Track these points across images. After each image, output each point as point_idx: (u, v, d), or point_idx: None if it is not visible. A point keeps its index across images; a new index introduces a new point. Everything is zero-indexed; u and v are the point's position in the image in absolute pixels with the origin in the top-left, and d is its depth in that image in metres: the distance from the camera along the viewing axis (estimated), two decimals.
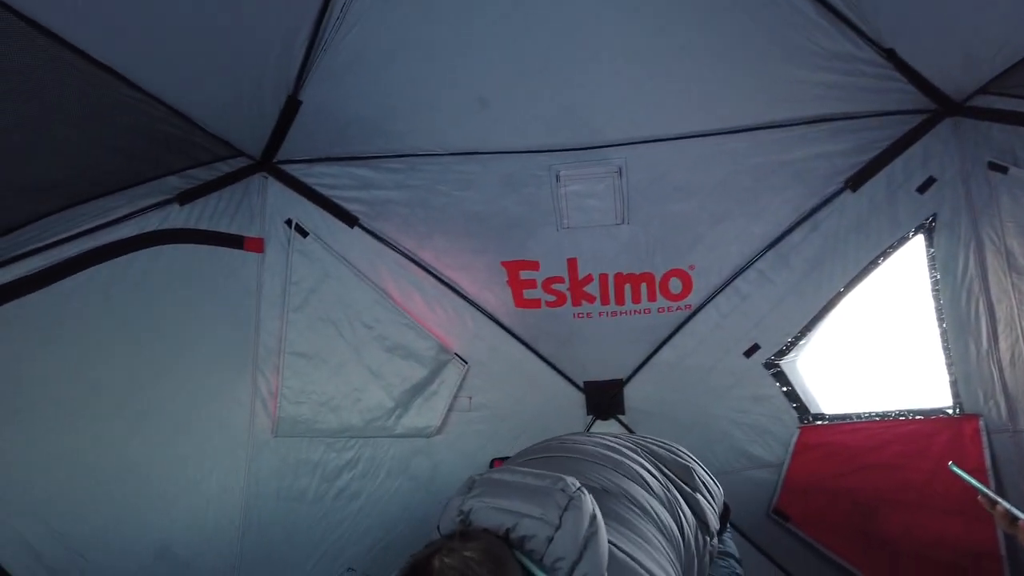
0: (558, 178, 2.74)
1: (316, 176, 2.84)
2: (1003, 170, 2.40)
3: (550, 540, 1.37)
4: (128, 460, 2.43)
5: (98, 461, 2.35)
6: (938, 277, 2.62)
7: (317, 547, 2.83)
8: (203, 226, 2.62)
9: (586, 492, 1.46)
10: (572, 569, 1.35)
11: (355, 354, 2.86)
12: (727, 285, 2.96)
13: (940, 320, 2.61)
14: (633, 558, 1.50)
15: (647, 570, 1.49)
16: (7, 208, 2.05)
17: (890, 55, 2.34)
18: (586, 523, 1.40)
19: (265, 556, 2.73)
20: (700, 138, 2.68)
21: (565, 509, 1.40)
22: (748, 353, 2.93)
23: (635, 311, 2.96)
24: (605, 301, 2.95)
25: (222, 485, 2.66)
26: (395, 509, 2.96)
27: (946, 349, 2.59)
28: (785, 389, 2.90)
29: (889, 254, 2.72)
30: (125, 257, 2.39)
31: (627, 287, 2.91)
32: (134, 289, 2.41)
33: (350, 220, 2.89)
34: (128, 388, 2.42)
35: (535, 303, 2.97)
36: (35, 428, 2.22)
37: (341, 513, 2.86)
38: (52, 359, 2.24)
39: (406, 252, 2.94)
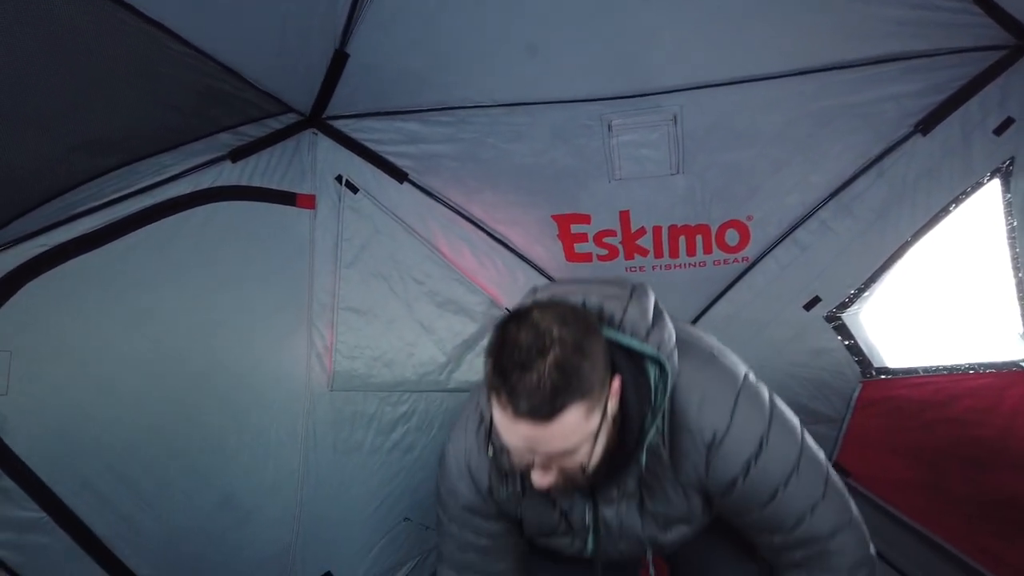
0: (610, 128, 2.65)
1: (365, 131, 2.82)
2: None
3: (624, 309, 1.40)
4: (190, 413, 2.50)
5: (162, 414, 2.42)
6: (1015, 224, 2.46)
7: (374, 497, 2.88)
8: (255, 183, 2.64)
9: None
10: (647, 334, 1.39)
11: (407, 309, 2.87)
12: (786, 236, 2.84)
13: (1016, 269, 2.46)
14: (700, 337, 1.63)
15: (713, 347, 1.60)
16: (64, 167, 2.11)
17: None
18: (652, 300, 1.48)
19: (324, 506, 2.80)
20: (761, 82, 2.55)
21: (632, 290, 1.47)
22: (808, 306, 2.83)
23: (690, 264, 2.87)
24: (659, 254, 2.87)
25: (281, 437, 2.72)
26: None
27: (1021, 300, 2.45)
28: (847, 343, 2.80)
29: (962, 200, 2.57)
30: (181, 214, 2.44)
31: (682, 239, 2.83)
32: (190, 246, 2.46)
33: (399, 175, 2.87)
34: (187, 343, 2.48)
35: (587, 257, 2.92)
36: (101, 382, 2.31)
37: (397, 465, 2.90)
38: (113, 315, 2.32)
39: (456, 207, 2.91)
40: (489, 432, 1.44)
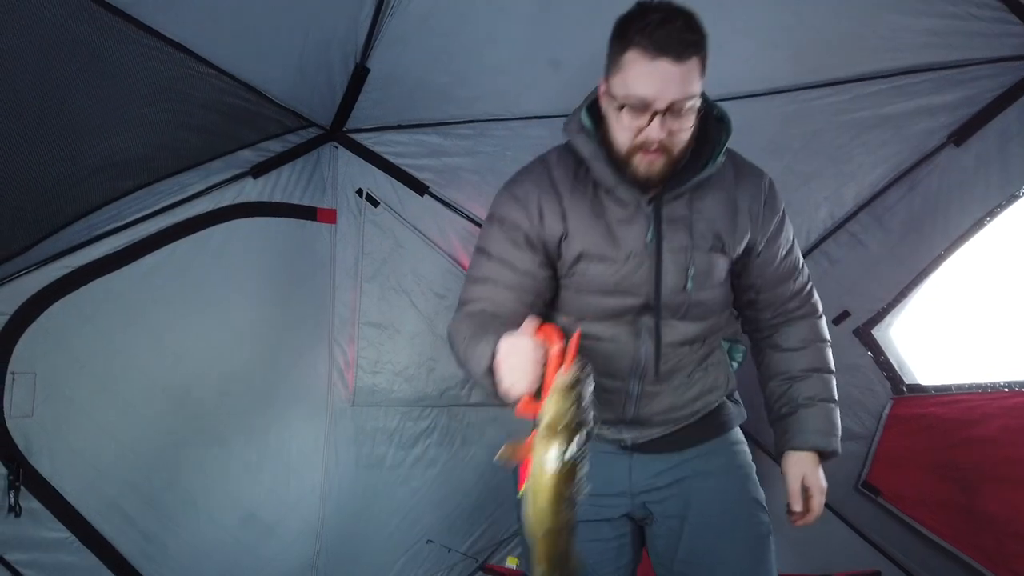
0: None
1: (385, 144, 2.81)
2: None
3: None
4: (213, 430, 2.51)
5: (184, 432, 2.43)
6: None
7: (396, 513, 2.87)
8: (277, 198, 2.63)
9: None
10: None
11: (428, 324, 2.86)
12: (815, 249, 2.80)
13: None
14: None
15: None
16: (87, 189, 2.11)
17: None
18: None
19: (346, 521, 2.80)
20: (789, 93, 2.50)
21: None
22: (837, 320, 2.78)
23: None
24: None
25: (303, 453, 2.72)
26: (471, 477, 2.98)
27: None
28: (877, 358, 2.75)
29: (997, 213, 2.49)
30: (203, 232, 2.44)
31: None
32: (212, 263, 2.47)
33: (420, 188, 2.85)
34: (210, 360, 2.49)
35: None
36: (124, 402, 2.33)
37: (419, 480, 2.89)
38: (137, 334, 2.34)
39: (477, 220, 2.89)
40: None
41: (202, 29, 1.94)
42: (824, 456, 1.73)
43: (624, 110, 1.43)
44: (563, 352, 1.24)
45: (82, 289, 2.21)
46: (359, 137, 2.79)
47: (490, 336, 1.36)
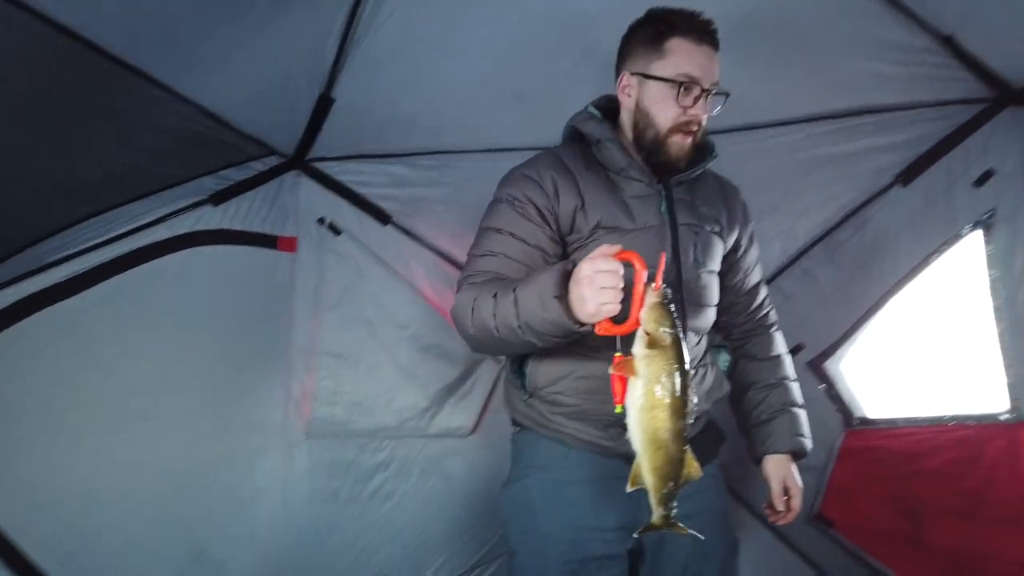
0: None
1: (349, 173, 2.79)
2: None
3: None
4: (162, 465, 2.41)
5: (132, 468, 2.34)
6: (996, 275, 2.48)
7: (351, 548, 2.80)
8: (236, 226, 2.58)
9: None
10: None
11: (389, 354, 2.82)
12: (770, 283, 2.84)
13: (998, 320, 2.47)
14: None
15: None
16: (39, 216, 2.05)
17: (948, 42, 2.22)
18: None
19: (299, 556, 2.71)
20: (744, 132, 2.58)
21: None
22: (792, 353, 2.82)
23: None
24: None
25: (255, 487, 2.64)
26: (429, 510, 2.93)
27: (1004, 351, 2.46)
28: (830, 391, 2.81)
29: (943, 251, 2.59)
30: (158, 260, 2.37)
31: None
32: (168, 292, 2.40)
33: (383, 218, 2.84)
34: (162, 392, 2.40)
35: None
36: (72, 434, 2.22)
37: (375, 514, 2.83)
38: (87, 365, 2.24)
39: (440, 250, 2.89)
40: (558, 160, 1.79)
41: (162, 55, 1.91)
42: (797, 456, 1.95)
43: (668, 91, 1.66)
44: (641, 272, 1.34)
45: (29, 319, 2.12)
46: (323, 166, 2.76)
47: (548, 270, 1.42)
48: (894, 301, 2.69)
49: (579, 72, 2.37)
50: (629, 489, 1.41)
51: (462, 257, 2.87)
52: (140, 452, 2.36)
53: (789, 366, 2.08)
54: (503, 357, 2.89)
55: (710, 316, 1.86)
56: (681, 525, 1.43)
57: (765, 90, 2.47)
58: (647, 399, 1.31)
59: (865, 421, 2.78)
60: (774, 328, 2.11)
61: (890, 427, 2.71)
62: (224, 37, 2.01)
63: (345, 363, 2.77)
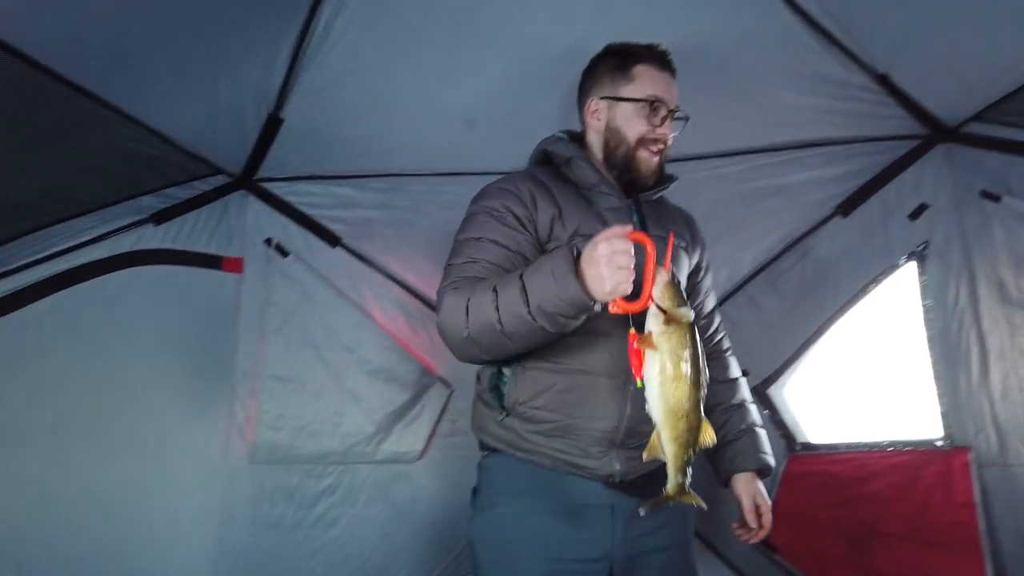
0: None
1: (298, 194, 2.77)
2: (996, 199, 2.36)
3: None
4: (98, 492, 2.34)
5: (66, 493, 2.26)
6: (930, 305, 2.57)
7: (294, 575, 2.74)
8: (179, 246, 2.54)
9: None
10: None
11: (335, 378, 2.78)
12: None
13: (931, 349, 2.55)
14: None
15: None
16: None
17: (883, 80, 2.30)
18: None
19: None
20: (691, 161, 2.63)
21: None
22: None
23: None
24: None
25: (196, 515, 2.56)
26: (374, 537, 2.88)
27: (937, 379, 2.53)
28: (774, 417, 2.86)
29: (880, 281, 2.68)
30: (97, 280, 2.31)
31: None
32: (105, 313, 2.34)
33: (332, 239, 2.82)
34: (97, 416, 2.33)
35: None
36: (2, 458, 2.14)
37: (318, 541, 2.77)
38: (17, 389, 2.16)
39: (390, 273, 2.88)
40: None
41: (106, 72, 1.87)
42: (763, 474, 1.99)
43: (639, 109, 1.83)
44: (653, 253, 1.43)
45: None
46: (271, 186, 2.74)
47: (556, 253, 1.48)
48: (835, 328, 2.77)
49: (530, 99, 2.40)
50: (646, 458, 1.52)
51: (412, 280, 2.89)
52: (75, 477, 2.29)
53: (746, 388, 2.14)
54: (451, 384, 2.91)
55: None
56: (692, 493, 1.51)
57: (711, 121, 2.50)
58: (668, 372, 1.41)
59: (808, 446, 2.83)
60: (729, 352, 2.16)
61: (832, 452, 2.77)
62: (171, 57, 1.99)
63: (290, 387, 2.72)
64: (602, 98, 1.89)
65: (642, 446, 1.73)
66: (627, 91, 1.85)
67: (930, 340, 2.56)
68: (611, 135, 1.87)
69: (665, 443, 1.45)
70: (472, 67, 2.33)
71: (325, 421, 2.76)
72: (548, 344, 1.60)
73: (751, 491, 1.98)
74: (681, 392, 1.41)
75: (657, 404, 1.43)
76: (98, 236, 2.31)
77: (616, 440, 1.72)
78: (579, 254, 1.45)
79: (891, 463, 2.60)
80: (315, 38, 2.19)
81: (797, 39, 2.20)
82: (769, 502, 1.98)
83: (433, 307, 2.87)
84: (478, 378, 1.92)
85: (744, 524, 1.97)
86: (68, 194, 2.17)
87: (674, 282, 1.44)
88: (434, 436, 2.94)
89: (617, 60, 1.89)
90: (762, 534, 1.98)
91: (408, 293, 2.90)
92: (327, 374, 2.77)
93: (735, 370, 2.14)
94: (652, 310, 1.42)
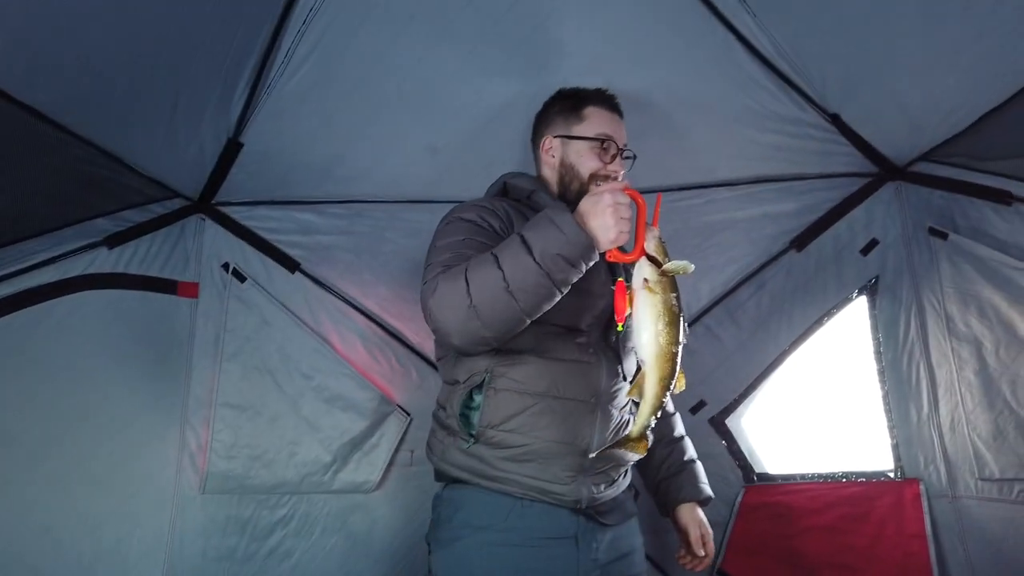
0: None
1: (257, 219, 2.73)
2: (943, 236, 2.44)
3: None
4: (42, 520, 2.25)
5: (8, 521, 2.16)
6: (880, 339, 2.64)
7: None
8: (133, 270, 2.48)
9: None
10: None
11: (292, 405, 2.72)
12: None
13: (882, 382, 2.62)
14: None
15: None
16: None
17: (835, 120, 2.37)
18: None
19: None
20: (650, 194, 2.66)
21: None
22: (694, 409, 2.91)
23: None
24: None
25: (144, 546, 2.47)
26: (331, 568, 2.80)
27: (888, 412, 2.60)
28: (730, 447, 2.88)
29: (833, 314, 2.75)
30: (45, 304, 2.24)
31: None
32: (53, 338, 2.26)
33: (291, 265, 2.78)
34: (43, 444, 2.24)
35: None
36: None
37: (272, 574, 2.68)
38: None
39: (349, 299, 2.85)
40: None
41: (60, 94, 1.84)
42: (704, 504, 2.13)
43: (591, 147, 1.97)
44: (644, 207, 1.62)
45: None
46: (229, 210, 2.70)
47: (546, 208, 1.60)
48: (791, 360, 2.81)
49: (492, 128, 2.42)
50: (628, 395, 1.63)
51: (372, 306, 2.87)
52: (18, 504, 2.20)
53: (681, 424, 2.28)
54: (410, 413, 2.88)
55: (636, 362, 1.91)
56: (647, 443, 1.67)
57: (670, 156, 2.57)
58: (662, 316, 1.52)
59: (764, 477, 2.86)
60: (675, 416, 2.29)
61: (787, 483, 2.80)
62: (128, 80, 1.96)
63: (244, 414, 2.66)
64: (556, 136, 2.03)
65: (609, 470, 1.80)
66: (579, 130, 2.00)
67: (881, 373, 2.63)
68: (565, 171, 2.01)
69: (649, 385, 1.54)
70: (436, 95, 2.35)
71: (280, 450, 2.70)
72: (550, 305, 1.60)
73: (696, 520, 2.10)
74: (671, 336, 1.53)
75: (648, 346, 1.53)
76: (48, 259, 2.24)
77: (585, 464, 1.75)
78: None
79: (844, 494, 2.64)
80: (277, 64, 2.19)
81: (753, 78, 2.27)
82: (711, 531, 2.08)
83: (391, 333, 2.88)
84: (442, 407, 1.91)
85: (690, 552, 2.08)
86: (15, 217, 2.11)
87: (662, 238, 1.60)
88: (392, 466, 2.89)
89: (569, 102, 2.04)
90: (707, 561, 2.09)
91: (368, 320, 2.87)
92: (283, 401, 2.72)
93: (672, 406, 2.27)
94: (643, 261, 1.56)
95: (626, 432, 1.74)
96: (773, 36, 2.13)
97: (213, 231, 2.69)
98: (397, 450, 2.89)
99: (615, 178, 1.96)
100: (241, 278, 2.70)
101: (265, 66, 2.20)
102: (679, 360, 1.56)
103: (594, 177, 1.95)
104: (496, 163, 2.55)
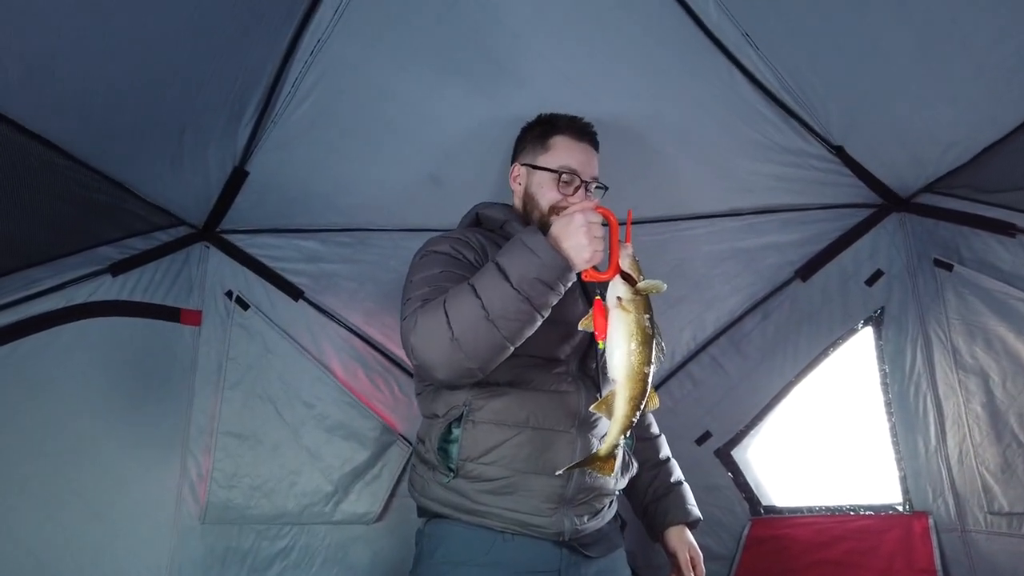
0: None
1: (261, 247, 2.74)
2: (948, 267, 2.44)
3: None
4: (39, 551, 2.21)
5: (5, 551, 2.13)
6: (887, 370, 2.62)
7: None
8: (137, 298, 2.48)
9: None
10: None
11: (293, 434, 2.70)
12: (680, 370, 2.94)
13: (889, 414, 2.60)
14: None
15: None
16: None
17: (839, 152, 2.38)
18: None
19: None
20: (654, 224, 2.68)
21: None
22: (700, 441, 2.88)
23: None
24: None
25: None
26: None
27: (895, 444, 2.57)
28: (737, 479, 2.85)
29: (839, 345, 2.73)
30: (49, 331, 2.23)
31: None
32: (56, 365, 2.25)
33: (295, 293, 2.78)
34: (43, 472, 2.22)
35: None
36: None
37: None
38: None
39: (353, 328, 2.84)
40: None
41: (67, 122, 1.86)
42: (693, 526, 2.08)
43: (551, 179, 1.91)
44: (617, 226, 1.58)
45: None
46: (233, 238, 2.71)
47: (518, 234, 1.57)
48: (797, 391, 2.79)
49: (492, 157, 2.43)
50: (593, 408, 1.56)
51: (376, 334, 2.86)
52: (15, 534, 2.16)
53: (667, 447, 2.23)
54: (412, 442, 2.86)
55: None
56: (614, 462, 1.60)
57: (673, 186, 2.59)
58: (634, 335, 1.48)
59: (771, 509, 2.82)
60: (660, 437, 2.24)
61: (794, 516, 2.76)
62: (136, 108, 1.98)
63: (246, 443, 2.64)
64: (523, 164, 2.01)
65: (592, 500, 1.77)
66: (543, 160, 1.95)
67: (888, 405, 2.61)
68: (528, 200, 1.98)
69: (620, 403, 1.51)
70: (440, 125, 2.37)
71: (281, 480, 2.67)
72: (533, 330, 1.58)
73: (685, 542, 2.04)
74: (644, 356, 1.48)
75: (620, 365, 1.49)
76: (53, 287, 2.24)
77: (566, 496, 1.72)
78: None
79: (853, 527, 2.60)
80: (283, 94, 2.22)
81: (756, 110, 2.28)
82: (700, 553, 2.04)
83: (394, 361, 2.87)
84: (421, 441, 1.89)
85: (680, 574, 2.03)
86: (20, 244, 2.11)
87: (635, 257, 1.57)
88: (394, 497, 2.86)
89: (540, 130, 2.00)
90: None
91: (370, 348, 2.85)
92: (284, 430, 2.69)
93: (656, 428, 2.24)
94: (617, 279, 1.53)
95: (594, 451, 1.68)
96: (776, 69, 2.15)
97: (217, 259, 2.70)
98: (399, 481, 2.86)
99: None
100: (244, 306, 2.70)
101: (272, 96, 2.23)
102: (650, 381, 1.51)
103: (554, 209, 1.90)
104: (498, 193, 2.56)
